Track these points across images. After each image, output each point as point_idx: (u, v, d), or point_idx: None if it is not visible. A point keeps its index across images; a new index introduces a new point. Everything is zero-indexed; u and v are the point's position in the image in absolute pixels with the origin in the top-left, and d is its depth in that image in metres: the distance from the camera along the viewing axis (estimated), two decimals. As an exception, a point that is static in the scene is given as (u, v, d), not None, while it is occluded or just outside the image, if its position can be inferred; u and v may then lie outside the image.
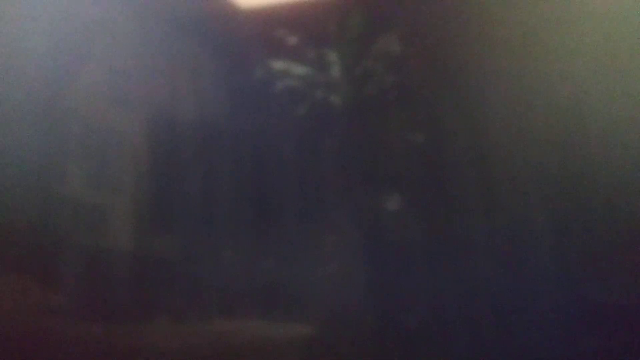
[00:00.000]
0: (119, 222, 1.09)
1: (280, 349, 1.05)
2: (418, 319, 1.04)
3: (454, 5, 1.06)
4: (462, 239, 1.04)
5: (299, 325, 1.06)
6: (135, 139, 1.09)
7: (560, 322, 1.01)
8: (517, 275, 1.02)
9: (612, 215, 1.02)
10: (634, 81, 1.02)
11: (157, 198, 1.08)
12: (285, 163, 1.06)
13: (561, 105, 1.04)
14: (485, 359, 1.02)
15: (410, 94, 1.06)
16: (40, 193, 1.08)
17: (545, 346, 1.01)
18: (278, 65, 1.08)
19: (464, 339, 1.03)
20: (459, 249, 1.03)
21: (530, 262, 1.02)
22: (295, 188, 1.06)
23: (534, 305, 1.02)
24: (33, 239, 1.08)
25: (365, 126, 1.06)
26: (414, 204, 1.05)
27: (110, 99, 1.10)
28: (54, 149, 1.09)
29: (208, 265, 1.06)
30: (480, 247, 1.03)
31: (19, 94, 1.09)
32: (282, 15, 1.08)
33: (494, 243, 1.03)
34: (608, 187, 1.02)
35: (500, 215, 1.04)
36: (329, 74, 1.07)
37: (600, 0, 1.04)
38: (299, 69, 1.08)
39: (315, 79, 1.07)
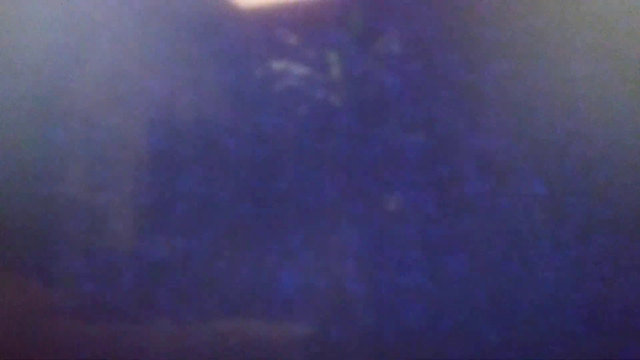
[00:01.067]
0: (119, 222, 1.09)
1: (280, 349, 1.05)
2: (418, 319, 1.04)
3: (454, 5, 1.06)
4: (462, 239, 1.04)
5: (298, 325, 1.05)
6: (135, 138, 1.09)
7: (561, 321, 1.01)
8: (517, 275, 1.02)
9: (613, 214, 1.02)
10: (634, 81, 1.02)
11: (157, 198, 1.08)
12: (285, 163, 1.06)
13: (562, 105, 1.04)
14: (485, 359, 1.02)
15: (410, 94, 1.06)
16: (40, 193, 1.08)
17: (546, 346, 1.01)
18: (278, 65, 1.08)
19: (465, 340, 1.03)
20: (459, 249, 1.03)
21: (530, 261, 1.02)
22: (295, 187, 1.06)
23: (534, 305, 1.02)
24: (33, 239, 1.08)
25: (365, 126, 1.06)
26: (414, 203, 1.05)
27: (110, 98, 1.10)
28: (53, 149, 1.09)
29: (208, 265, 1.06)
30: (481, 246, 1.03)
31: (18, 93, 1.09)
32: (282, 15, 1.08)
33: (494, 243, 1.03)
34: (609, 185, 1.02)
35: (501, 215, 1.04)
36: (329, 74, 1.07)
37: (600, 0, 1.04)
38: (299, 69, 1.08)
39: (315, 79, 1.07)
